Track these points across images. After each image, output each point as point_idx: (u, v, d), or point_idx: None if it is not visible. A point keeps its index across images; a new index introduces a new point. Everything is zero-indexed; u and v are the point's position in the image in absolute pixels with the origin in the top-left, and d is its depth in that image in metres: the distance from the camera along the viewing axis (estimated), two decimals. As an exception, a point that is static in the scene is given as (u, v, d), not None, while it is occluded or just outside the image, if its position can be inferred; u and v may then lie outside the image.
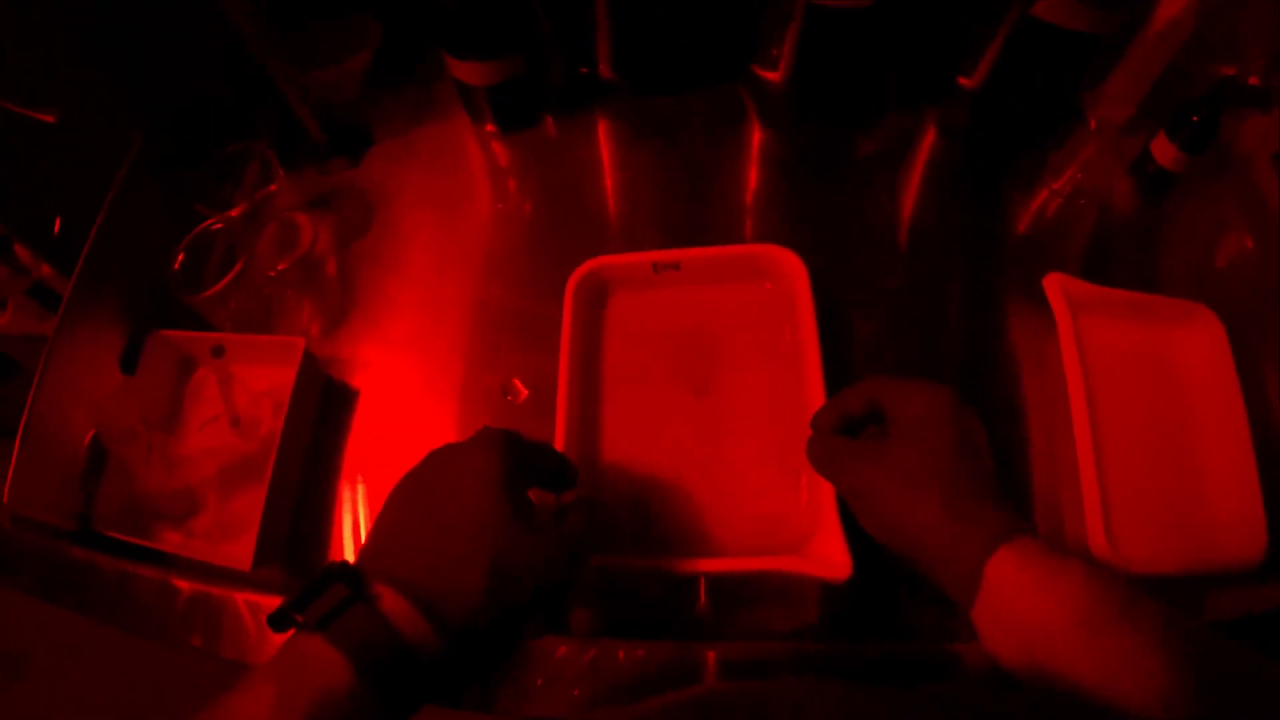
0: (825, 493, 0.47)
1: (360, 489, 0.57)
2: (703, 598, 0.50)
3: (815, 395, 0.51)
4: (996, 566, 0.37)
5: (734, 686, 0.39)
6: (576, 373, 0.54)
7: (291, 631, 0.34)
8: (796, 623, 0.49)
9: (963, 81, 0.67)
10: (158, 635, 0.49)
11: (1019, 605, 0.36)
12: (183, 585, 0.49)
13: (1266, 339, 0.57)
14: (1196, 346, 0.56)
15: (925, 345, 0.59)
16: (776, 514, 0.51)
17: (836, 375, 0.51)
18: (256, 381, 0.60)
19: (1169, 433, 0.54)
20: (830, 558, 0.45)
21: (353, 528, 0.56)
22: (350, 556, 0.55)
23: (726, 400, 0.55)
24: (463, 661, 0.36)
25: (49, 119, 0.62)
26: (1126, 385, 0.55)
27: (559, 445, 0.50)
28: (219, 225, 0.60)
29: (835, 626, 0.49)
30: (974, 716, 0.32)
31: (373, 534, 0.39)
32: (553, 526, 0.40)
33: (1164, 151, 0.62)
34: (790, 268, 0.56)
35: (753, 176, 0.66)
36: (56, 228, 0.68)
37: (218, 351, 0.55)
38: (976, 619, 0.38)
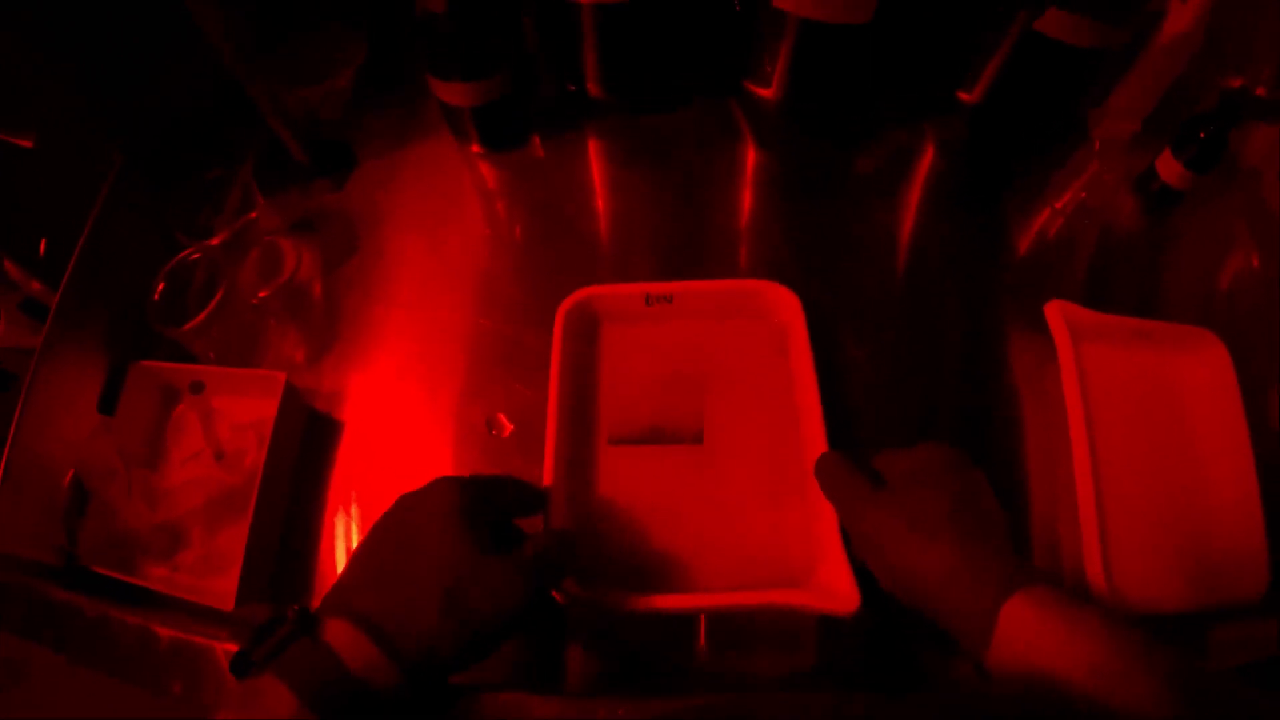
0: (828, 524, 0.46)
1: (347, 522, 0.56)
2: (700, 639, 0.49)
3: (813, 429, 0.50)
4: (1010, 613, 0.36)
5: (730, 697, 0.40)
6: (566, 406, 0.53)
7: None
8: (795, 668, 0.48)
9: (962, 96, 0.65)
10: (139, 680, 0.48)
11: (1032, 653, 0.36)
12: (163, 633, 0.48)
13: (1272, 362, 0.56)
14: (1201, 374, 0.55)
15: (923, 373, 0.58)
16: (777, 549, 0.49)
17: (834, 407, 0.50)
18: (239, 414, 0.59)
19: (1171, 463, 0.53)
20: (836, 590, 0.43)
21: (345, 561, 0.55)
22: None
23: (722, 436, 0.53)
24: (428, 688, 0.37)
25: (26, 144, 0.61)
26: (1128, 414, 0.54)
27: (547, 481, 0.49)
28: (197, 255, 0.59)
29: (835, 674, 0.48)
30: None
31: (339, 579, 0.40)
32: (515, 553, 0.40)
33: (1169, 169, 0.61)
34: (785, 304, 0.55)
35: (747, 197, 0.65)
36: (42, 249, 0.67)
37: (196, 388, 0.54)
38: (991, 667, 0.38)
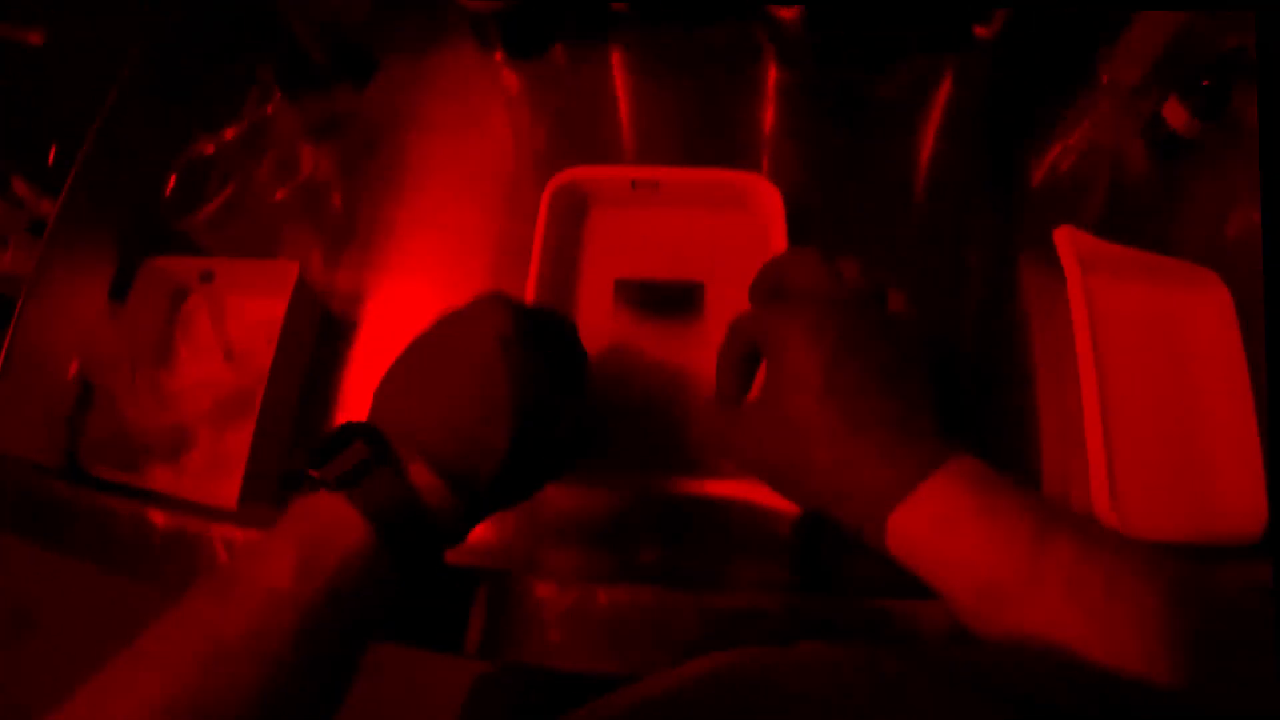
0: None
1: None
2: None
3: None
4: (893, 532, 0.32)
5: (757, 653, 0.32)
6: (546, 283, 0.52)
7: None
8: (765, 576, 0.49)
9: (979, 31, 0.66)
10: (133, 571, 0.47)
11: (926, 574, 0.32)
12: (158, 521, 0.47)
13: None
14: (1204, 312, 0.55)
15: (936, 295, 0.58)
16: None
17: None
18: (251, 313, 0.58)
19: (1174, 398, 0.54)
20: None
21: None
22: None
23: (713, 327, 0.53)
24: (479, 517, 0.36)
25: (35, 40, 0.58)
26: (1133, 347, 0.55)
27: None
28: (211, 149, 0.57)
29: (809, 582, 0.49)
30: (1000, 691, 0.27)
31: (384, 395, 0.37)
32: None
33: (1176, 115, 0.61)
34: (767, 198, 0.53)
35: (769, 114, 0.65)
36: (51, 156, 0.64)
37: (206, 276, 0.53)
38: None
